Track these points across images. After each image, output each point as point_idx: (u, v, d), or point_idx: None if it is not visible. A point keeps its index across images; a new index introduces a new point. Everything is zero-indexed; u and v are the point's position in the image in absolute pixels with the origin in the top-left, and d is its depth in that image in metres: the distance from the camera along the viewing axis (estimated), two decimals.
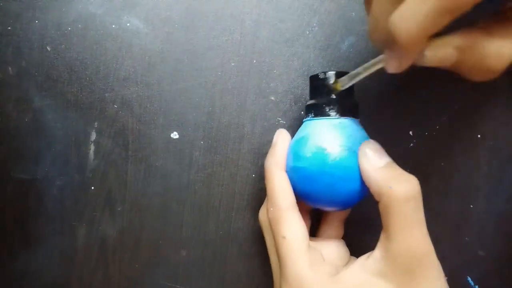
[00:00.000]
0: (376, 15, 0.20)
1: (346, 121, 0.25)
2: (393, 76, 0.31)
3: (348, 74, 0.24)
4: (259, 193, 0.31)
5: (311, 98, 0.26)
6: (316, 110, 0.25)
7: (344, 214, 0.29)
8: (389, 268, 0.22)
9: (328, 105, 0.25)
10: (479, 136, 0.31)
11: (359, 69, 0.23)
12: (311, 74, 0.26)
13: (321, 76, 0.25)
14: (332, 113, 0.25)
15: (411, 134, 0.31)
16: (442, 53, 0.20)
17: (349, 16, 0.31)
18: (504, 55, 0.19)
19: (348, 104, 0.25)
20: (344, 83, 0.24)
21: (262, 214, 0.27)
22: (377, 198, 0.22)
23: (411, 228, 0.22)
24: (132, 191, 0.31)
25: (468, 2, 0.17)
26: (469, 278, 0.31)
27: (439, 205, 0.31)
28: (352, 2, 0.31)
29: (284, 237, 0.24)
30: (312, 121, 0.26)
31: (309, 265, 0.23)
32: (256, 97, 0.31)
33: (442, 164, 0.31)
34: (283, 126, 0.31)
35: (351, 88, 0.25)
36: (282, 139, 0.26)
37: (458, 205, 0.31)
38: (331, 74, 0.25)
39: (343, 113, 0.25)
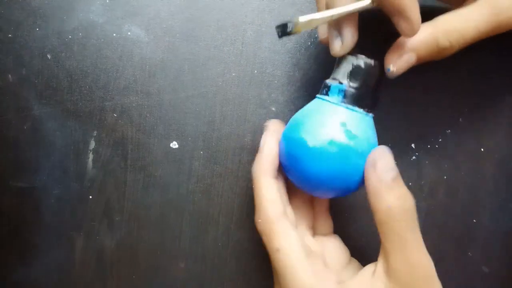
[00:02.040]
0: None
1: (366, 117, 0.24)
2: (396, 88, 0.31)
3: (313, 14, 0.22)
4: None
5: (335, 77, 0.25)
6: (340, 93, 0.24)
7: (327, 203, 0.28)
8: (395, 285, 0.22)
9: (355, 94, 0.24)
10: (482, 149, 0.31)
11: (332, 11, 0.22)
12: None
13: (359, 59, 0.24)
14: (356, 103, 0.24)
15: (413, 147, 0.31)
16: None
17: None
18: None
19: (373, 99, 0.24)
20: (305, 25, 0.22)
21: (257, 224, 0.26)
22: (372, 210, 0.22)
23: (408, 245, 0.21)
24: (131, 201, 0.31)
25: None
26: None
27: (443, 220, 0.31)
28: None
29: (278, 250, 0.23)
30: (330, 104, 0.24)
31: (312, 275, 0.22)
32: (257, 108, 0.31)
33: (445, 177, 0.31)
34: None
35: (379, 81, 0.24)
36: (269, 142, 0.25)
37: (462, 220, 0.31)
38: (371, 63, 0.24)
39: (364, 106, 0.24)
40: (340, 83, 0.24)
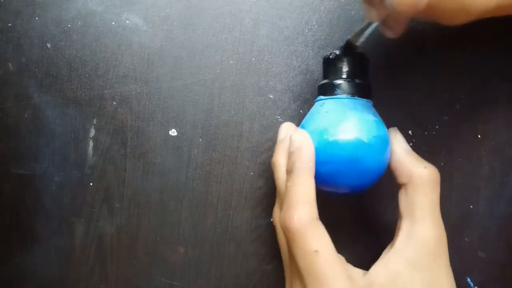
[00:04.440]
0: None
1: (362, 102, 0.25)
2: (392, 74, 0.31)
3: (354, 33, 0.25)
4: (257, 191, 0.31)
5: (324, 78, 0.27)
6: (330, 90, 0.26)
7: None
8: (418, 255, 0.22)
9: (343, 85, 0.25)
10: (479, 136, 0.31)
11: (362, 26, 0.25)
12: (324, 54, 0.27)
13: (333, 56, 0.26)
14: (370, 95, 0.26)
15: (410, 134, 0.31)
16: None
17: (348, 15, 0.31)
18: None
19: (364, 86, 0.26)
20: (357, 39, 0.25)
21: (277, 215, 0.26)
22: (405, 179, 0.24)
23: (437, 213, 0.23)
24: (131, 188, 0.31)
25: None
26: (468, 279, 0.31)
27: (440, 206, 0.31)
28: (352, 1, 0.31)
29: (317, 252, 0.22)
30: (325, 101, 0.26)
31: (347, 278, 0.22)
32: (255, 95, 0.31)
33: (442, 164, 0.31)
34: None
35: (367, 70, 0.26)
36: (307, 140, 0.24)
37: (459, 206, 0.31)
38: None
39: (358, 94, 0.25)
40: (330, 80, 0.26)
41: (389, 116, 0.31)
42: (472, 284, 0.31)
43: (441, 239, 0.23)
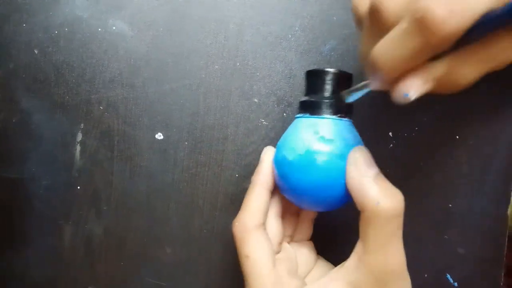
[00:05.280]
0: (363, 43, 0.22)
1: (340, 122, 0.25)
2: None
3: (347, 90, 0.25)
4: (243, 193, 0.32)
5: (306, 94, 0.26)
6: (311, 107, 0.25)
7: (314, 213, 0.29)
8: (363, 279, 0.22)
9: (324, 104, 0.24)
10: (457, 137, 0.32)
11: (358, 85, 0.24)
12: (308, 69, 0.26)
13: (320, 72, 0.25)
14: (327, 112, 0.24)
15: (391, 135, 0.32)
16: (423, 88, 0.20)
17: (330, 20, 0.32)
18: (472, 78, 0.21)
19: (343, 105, 0.25)
20: (346, 96, 0.25)
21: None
22: (359, 208, 0.22)
23: (391, 244, 0.21)
24: (118, 191, 0.32)
25: (447, 43, 0.17)
26: (448, 276, 0.32)
27: (419, 204, 0.32)
28: (334, 7, 0.32)
29: (247, 257, 0.24)
30: (304, 118, 0.25)
31: (274, 284, 0.23)
32: (240, 99, 0.32)
33: (422, 164, 0.32)
34: (266, 128, 0.32)
35: (348, 88, 0.25)
36: (266, 159, 0.26)
37: (438, 204, 0.32)
38: (330, 71, 0.25)
39: (337, 112, 0.25)
40: (310, 98, 0.25)
41: (369, 119, 0.31)
42: (452, 280, 0.32)
43: (392, 272, 0.22)
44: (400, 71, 0.20)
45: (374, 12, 0.20)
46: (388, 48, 0.19)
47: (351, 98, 0.24)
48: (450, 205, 0.32)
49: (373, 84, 0.22)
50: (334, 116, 0.24)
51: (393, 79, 0.20)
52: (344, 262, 0.24)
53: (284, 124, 0.32)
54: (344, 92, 0.25)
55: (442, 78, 0.20)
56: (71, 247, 0.32)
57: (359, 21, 0.23)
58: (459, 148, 0.32)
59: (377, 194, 0.21)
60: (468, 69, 0.20)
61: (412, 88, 0.20)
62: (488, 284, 0.32)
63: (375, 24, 0.20)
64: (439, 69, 0.20)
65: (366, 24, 0.21)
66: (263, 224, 0.25)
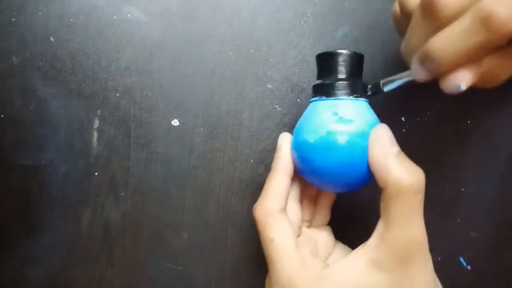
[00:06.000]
0: (411, 36, 0.23)
1: (358, 102, 0.25)
2: (386, 64, 0.32)
3: (387, 79, 0.25)
4: (258, 178, 0.32)
5: (319, 78, 0.26)
6: (327, 90, 0.25)
7: (332, 198, 0.29)
8: (385, 256, 0.22)
9: (340, 85, 0.25)
10: (469, 121, 0.32)
11: (399, 75, 0.24)
12: (319, 53, 0.26)
13: (333, 54, 0.25)
14: (344, 93, 0.25)
15: (403, 120, 0.32)
16: (473, 81, 0.21)
17: (342, 7, 0.32)
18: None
19: (359, 85, 0.25)
20: (384, 85, 0.25)
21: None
22: (382, 185, 0.22)
23: (413, 219, 0.22)
24: (135, 177, 0.32)
25: (506, 40, 0.19)
26: (461, 259, 0.32)
27: (432, 189, 0.32)
28: None
29: (272, 240, 0.24)
30: (320, 101, 0.25)
31: (299, 263, 0.24)
32: (254, 85, 0.32)
33: (434, 148, 0.32)
34: (279, 113, 0.32)
35: (361, 68, 0.26)
36: (285, 144, 0.27)
37: (450, 189, 0.32)
38: (343, 52, 0.25)
39: (353, 93, 0.25)
40: (325, 81, 0.25)
41: (383, 104, 0.32)
42: (465, 264, 0.33)
43: (415, 246, 0.22)
44: (457, 64, 0.21)
45: (429, 7, 0.21)
46: (449, 43, 0.20)
47: (390, 86, 0.25)
48: (463, 189, 0.32)
49: (419, 74, 0.23)
50: (351, 97, 0.25)
51: (445, 71, 0.21)
52: (365, 242, 0.24)
53: (298, 109, 0.32)
54: (383, 81, 0.25)
55: (486, 72, 0.21)
56: (89, 233, 0.32)
57: (404, 14, 0.24)
58: (469, 134, 0.32)
59: (400, 170, 0.22)
60: (510, 65, 0.22)
61: (465, 80, 0.21)
62: (500, 267, 0.32)
63: (428, 18, 0.21)
64: (487, 63, 0.21)
65: (417, 18, 0.22)
66: (285, 209, 0.26)
